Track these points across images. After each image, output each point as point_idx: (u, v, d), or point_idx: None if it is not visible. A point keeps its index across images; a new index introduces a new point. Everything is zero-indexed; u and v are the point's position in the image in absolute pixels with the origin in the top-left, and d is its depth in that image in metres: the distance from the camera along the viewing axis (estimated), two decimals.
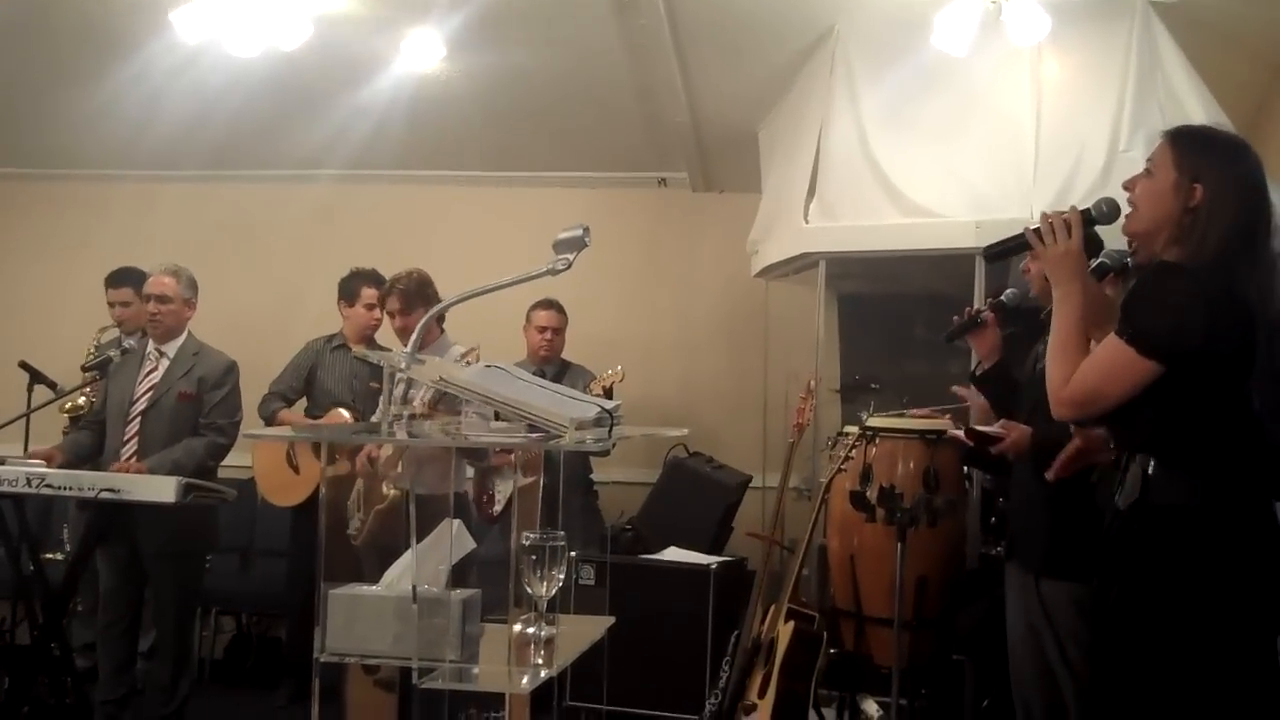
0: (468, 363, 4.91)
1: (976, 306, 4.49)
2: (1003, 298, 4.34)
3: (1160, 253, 2.84)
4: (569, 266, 2.71)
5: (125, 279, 6.28)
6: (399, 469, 5.08)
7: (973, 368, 4.53)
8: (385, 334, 6.15)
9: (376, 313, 6.14)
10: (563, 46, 6.11)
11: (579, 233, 2.71)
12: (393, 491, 5.21)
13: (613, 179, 7.56)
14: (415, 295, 5.40)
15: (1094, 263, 3.09)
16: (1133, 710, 2.73)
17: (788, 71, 6.21)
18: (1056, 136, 5.36)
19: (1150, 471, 2.74)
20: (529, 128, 7.06)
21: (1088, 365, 2.79)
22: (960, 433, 4.48)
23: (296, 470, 6.02)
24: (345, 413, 5.92)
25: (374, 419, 5.57)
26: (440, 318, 5.30)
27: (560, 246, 2.72)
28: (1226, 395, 2.71)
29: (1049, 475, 3.58)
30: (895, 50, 5.66)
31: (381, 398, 5.46)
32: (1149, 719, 2.71)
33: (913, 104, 5.67)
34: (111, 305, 6.34)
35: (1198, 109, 5.17)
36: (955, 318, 4.38)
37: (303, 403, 6.25)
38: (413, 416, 3.09)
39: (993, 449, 4.04)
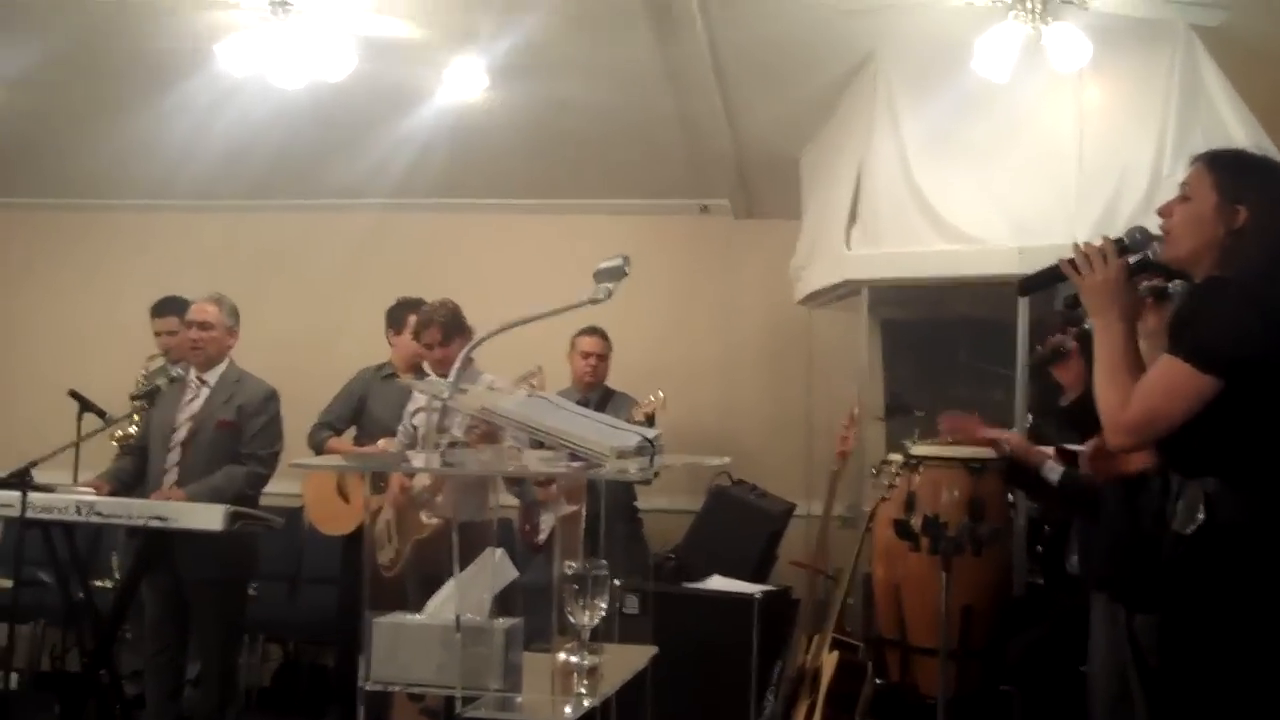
0: (532, 385, 4.91)
1: (1060, 336, 4.44)
2: (1086, 325, 4.30)
3: (1203, 274, 2.82)
4: (609, 296, 2.72)
5: (170, 308, 6.34)
6: (438, 498, 5.09)
7: (1060, 400, 4.50)
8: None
9: None
10: (604, 75, 6.14)
11: (619, 262, 2.72)
12: (433, 520, 5.22)
13: (654, 206, 7.57)
14: (453, 326, 5.42)
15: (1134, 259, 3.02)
16: None
17: (829, 97, 6.21)
18: (1099, 161, 5.33)
19: (1211, 493, 2.69)
20: (571, 156, 7.09)
21: (1144, 389, 2.73)
22: (1050, 452, 4.43)
23: (346, 500, 6.05)
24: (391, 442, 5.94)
25: (393, 447, 5.59)
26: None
27: (601, 276, 2.74)
28: None
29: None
30: (937, 75, 5.65)
31: (402, 427, 5.54)
32: None
33: (955, 129, 5.66)
34: (158, 334, 6.40)
35: (1241, 133, 5.14)
36: (1038, 348, 4.33)
37: (352, 432, 6.29)
38: (452, 444, 3.10)
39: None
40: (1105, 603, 3.93)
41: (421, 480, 4.94)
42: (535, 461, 2.92)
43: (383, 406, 6.15)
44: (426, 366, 5.64)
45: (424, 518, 5.22)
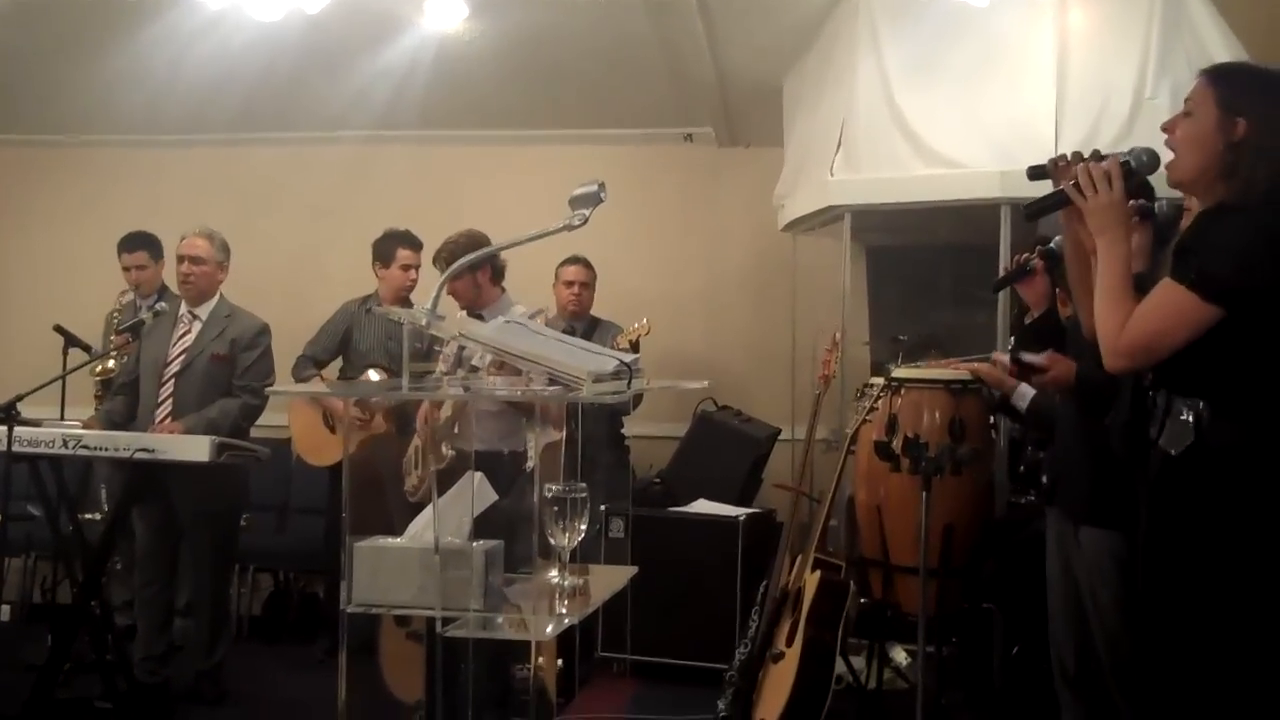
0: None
1: (1025, 254, 4.47)
2: (1051, 245, 4.31)
3: (1207, 194, 2.80)
4: (585, 222, 2.72)
5: (138, 243, 6.37)
6: (456, 429, 5.06)
7: (1024, 317, 4.52)
8: (419, 296, 6.18)
9: (412, 274, 6.17)
10: (585, 3, 6.08)
11: (594, 189, 2.72)
12: (451, 452, 5.21)
13: (638, 135, 7.56)
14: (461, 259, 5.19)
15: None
16: (1186, 653, 2.71)
17: (812, 23, 6.16)
18: (1081, 85, 5.32)
19: (1203, 415, 2.68)
20: (552, 85, 7.05)
21: (1144, 313, 2.72)
22: (1004, 358, 4.47)
23: (333, 430, 6.07)
24: (376, 374, 5.96)
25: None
26: (498, 278, 5.22)
27: (576, 202, 2.74)
28: None
29: None
30: (919, 1, 5.62)
31: (443, 355, 5.52)
32: (1205, 660, 2.68)
33: (937, 55, 5.63)
34: (126, 269, 6.41)
35: (1224, 55, 5.10)
36: (1005, 267, 4.34)
37: (337, 364, 6.31)
38: (473, 371, 3.05)
39: (1035, 379, 4.06)
40: (1057, 516, 3.98)
41: (446, 411, 4.92)
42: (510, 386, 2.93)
43: (368, 340, 6.18)
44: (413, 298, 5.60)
45: (444, 448, 5.21)
